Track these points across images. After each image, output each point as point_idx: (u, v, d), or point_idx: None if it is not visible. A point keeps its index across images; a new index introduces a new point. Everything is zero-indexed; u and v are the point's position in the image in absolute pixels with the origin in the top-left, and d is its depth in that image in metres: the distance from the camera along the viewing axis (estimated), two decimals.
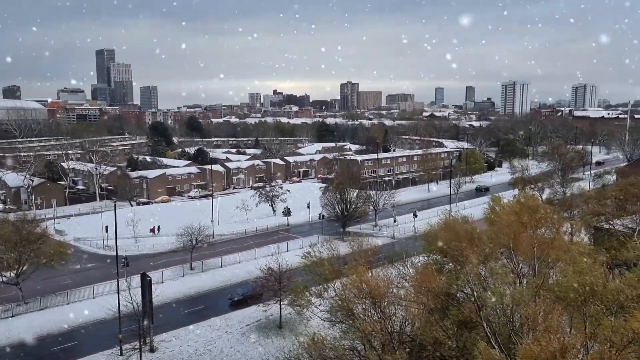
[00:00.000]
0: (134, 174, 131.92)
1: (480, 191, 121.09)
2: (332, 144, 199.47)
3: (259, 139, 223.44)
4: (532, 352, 19.80)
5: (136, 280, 53.60)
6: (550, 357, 19.16)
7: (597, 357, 20.62)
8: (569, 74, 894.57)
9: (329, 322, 35.87)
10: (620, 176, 75.20)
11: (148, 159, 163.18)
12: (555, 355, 19.14)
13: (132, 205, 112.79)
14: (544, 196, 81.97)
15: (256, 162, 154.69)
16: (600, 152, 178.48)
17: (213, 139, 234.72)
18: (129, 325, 43.95)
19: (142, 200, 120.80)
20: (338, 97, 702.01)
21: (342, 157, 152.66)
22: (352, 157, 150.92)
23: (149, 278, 44.36)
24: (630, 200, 53.85)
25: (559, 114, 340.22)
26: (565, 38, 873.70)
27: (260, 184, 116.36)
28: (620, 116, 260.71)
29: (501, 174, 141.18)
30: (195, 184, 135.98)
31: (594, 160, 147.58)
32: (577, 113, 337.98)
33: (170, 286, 59.18)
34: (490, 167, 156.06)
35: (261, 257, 67.61)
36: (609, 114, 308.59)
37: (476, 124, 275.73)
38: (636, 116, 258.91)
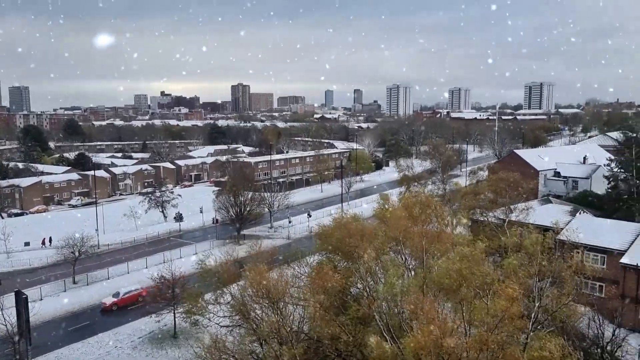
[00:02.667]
0: (4, 183, 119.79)
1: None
2: (225, 147, 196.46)
3: (146, 142, 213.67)
4: (417, 340, 21.18)
5: (10, 299, 48.72)
6: (433, 343, 20.60)
7: (477, 340, 22.59)
8: (446, 78, 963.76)
9: (226, 328, 35.43)
10: (491, 172, 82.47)
11: (20, 165, 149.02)
12: (437, 341, 20.61)
13: (2, 217, 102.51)
14: (427, 192, 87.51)
15: (144, 166, 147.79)
16: (474, 150, 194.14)
17: (96, 143, 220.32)
18: (3, 349, 39.93)
19: (14, 211, 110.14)
20: (229, 99, 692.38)
21: (235, 160, 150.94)
22: (246, 160, 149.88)
23: (24, 296, 40.50)
24: (500, 193, 59.36)
25: (438, 115, 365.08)
26: (441, 46, 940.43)
27: (150, 190, 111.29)
28: (490, 117, 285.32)
29: (388, 173, 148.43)
30: (76, 191, 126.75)
31: (469, 158, 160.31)
32: (453, 114, 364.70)
33: (50, 303, 54.62)
34: (379, 166, 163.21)
35: (152, 266, 64.78)
36: (480, 115, 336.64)
37: (364, 125, 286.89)
38: (503, 117, 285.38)
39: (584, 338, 38.66)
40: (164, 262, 62.84)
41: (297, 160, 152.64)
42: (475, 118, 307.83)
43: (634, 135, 72.10)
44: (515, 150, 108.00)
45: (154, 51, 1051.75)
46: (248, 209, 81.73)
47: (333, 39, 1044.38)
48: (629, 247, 48.03)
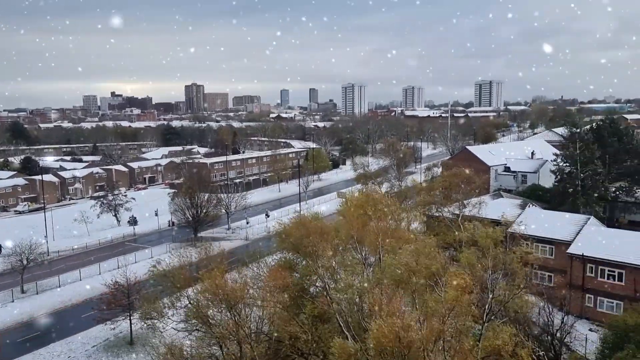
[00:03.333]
0: None
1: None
2: (180, 148, 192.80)
3: (97, 144, 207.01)
4: (380, 334, 21.50)
5: None
6: (395, 336, 20.97)
7: (433, 331, 23.12)
8: (400, 77, 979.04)
9: (184, 332, 34.80)
10: (445, 169, 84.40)
11: None
12: (398, 334, 20.98)
13: None
14: (383, 189, 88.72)
15: (95, 169, 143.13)
16: (428, 147, 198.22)
17: (43, 147, 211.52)
18: None
19: None
20: (183, 99, 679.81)
21: (190, 161, 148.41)
22: (201, 160, 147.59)
23: None
24: (454, 189, 60.84)
25: (393, 113, 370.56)
26: (394, 45, 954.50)
27: (102, 193, 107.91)
28: (442, 115, 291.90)
29: (345, 171, 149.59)
30: (23, 197, 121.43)
31: (423, 155, 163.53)
32: (408, 113, 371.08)
33: None
34: (336, 165, 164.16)
35: (106, 272, 62.88)
36: (433, 113, 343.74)
37: (321, 124, 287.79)
38: (456, 115, 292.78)
39: (535, 326, 40.19)
40: (119, 268, 61.19)
41: (254, 160, 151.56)
42: (429, 116, 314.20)
43: (577, 130, 75.44)
44: (467, 147, 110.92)
45: (103, 51, 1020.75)
46: (205, 210, 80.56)
47: (286, 39, 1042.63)
48: (574, 238, 50.23)
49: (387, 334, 21.12)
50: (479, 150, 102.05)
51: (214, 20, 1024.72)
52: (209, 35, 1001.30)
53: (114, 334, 46.82)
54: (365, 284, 28.92)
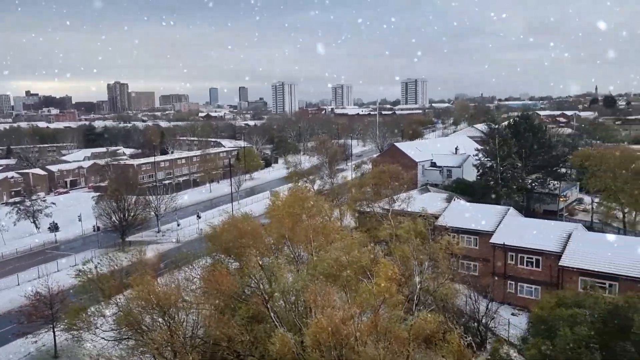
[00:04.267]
0: None
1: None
2: (103, 149, 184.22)
3: (11, 147, 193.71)
4: (317, 329, 21.80)
5: None
6: (335, 328, 21.35)
7: (370, 322, 23.76)
8: (329, 75, 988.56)
9: (114, 341, 33.49)
10: (375, 165, 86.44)
11: None
12: (338, 326, 21.39)
13: None
14: (316, 187, 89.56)
15: (10, 174, 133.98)
16: (358, 144, 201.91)
17: None
18: None
19: None
20: (106, 99, 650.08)
21: (115, 163, 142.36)
22: (127, 162, 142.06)
23: None
24: (384, 185, 62.53)
25: (323, 112, 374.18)
26: (323, 44, 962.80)
27: (18, 199, 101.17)
28: (371, 113, 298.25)
29: (277, 170, 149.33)
30: None
31: (354, 152, 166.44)
32: (337, 111, 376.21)
33: None
34: (268, 163, 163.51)
35: (25, 282, 59.22)
36: (362, 111, 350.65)
37: (251, 123, 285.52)
38: (384, 112, 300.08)
39: (462, 314, 42.22)
40: (39, 277, 57.70)
41: (184, 161, 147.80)
42: (358, 114, 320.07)
43: (496, 126, 79.63)
44: (396, 144, 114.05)
45: (17, 47, 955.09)
46: (132, 213, 77.78)
47: (215, 37, 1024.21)
48: (496, 228, 53.14)
49: (324, 328, 21.46)
50: (407, 147, 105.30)
51: (139, 17, 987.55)
52: (133, 33, 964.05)
53: (37, 348, 44.16)
54: (300, 281, 29.17)
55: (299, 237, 34.98)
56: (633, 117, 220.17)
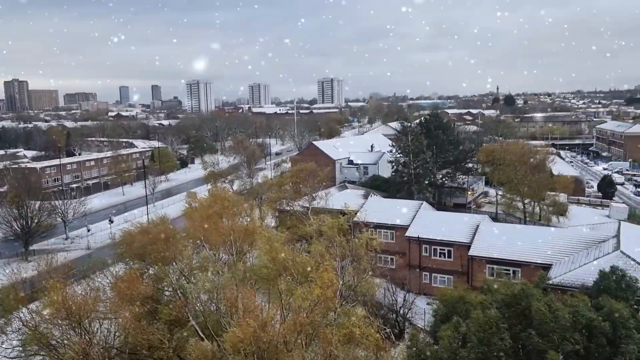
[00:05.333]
0: None
1: None
2: (1, 152, 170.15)
3: None
4: (236, 334, 21.54)
5: None
6: (252, 334, 21.19)
7: (291, 323, 23.87)
8: (245, 74, 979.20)
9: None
10: (294, 164, 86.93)
11: None
12: (256, 331, 21.25)
13: None
14: (235, 187, 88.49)
15: None
16: (277, 143, 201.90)
17: None
18: None
19: None
20: (3, 97, 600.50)
21: (15, 166, 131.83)
22: (29, 165, 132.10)
23: None
24: (303, 183, 63.07)
25: (240, 110, 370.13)
26: (241, 43, 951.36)
27: None
28: (289, 112, 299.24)
29: (194, 170, 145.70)
30: None
31: (273, 151, 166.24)
32: (255, 109, 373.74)
33: None
34: (184, 164, 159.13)
35: None
36: (280, 110, 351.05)
37: (165, 122, 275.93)
38: (301, 111, 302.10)
39: (381, 306, 43.65)
40: None
41: (93, 163, 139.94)
42: (276, 112, 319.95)
43: (409, 124, 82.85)
44: (314, 142, 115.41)
45: None
46: (36, 220, 72.63)
47: (127, 33, 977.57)
48: (411, 222, 55.41)
49: (243, 334, 21.25)
50: (325, 145, 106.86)
51: (41, 10, 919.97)
52: (35, 26, 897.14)
53: None
54: (220, 284, 28.76)
55: (219, 238, 34.40)
56: (530, 115, 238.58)
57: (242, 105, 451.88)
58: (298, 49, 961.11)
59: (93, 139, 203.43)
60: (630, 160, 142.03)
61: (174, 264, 31.44)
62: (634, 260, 36.21)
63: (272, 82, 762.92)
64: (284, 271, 27.58)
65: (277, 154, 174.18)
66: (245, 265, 33.47)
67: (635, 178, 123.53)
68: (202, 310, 28.91)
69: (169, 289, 32.46)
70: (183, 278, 31.60)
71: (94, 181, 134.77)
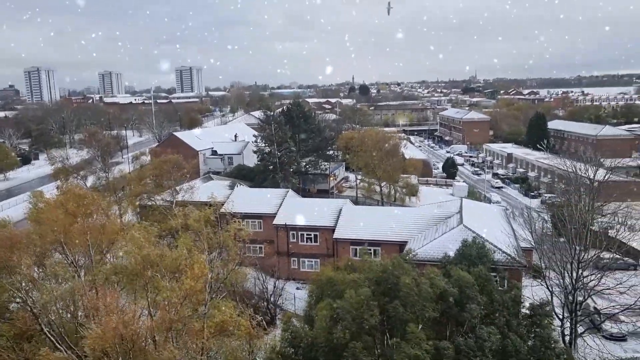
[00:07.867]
0: None
1: None
2: None
3: None
4: (96, 338, 20.28)
5: None
6: (114, 334, 20.12)
7: (160, 319, 23.05)
8: (95, 62, 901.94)
9: None
10: (154, 156, 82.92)
11: None
12: (117, 330, 20.20)
13: None
14: (89, 183, 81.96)
15: None
16: (134, 135, 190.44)
17: None
18: None
19: None
20: None
21: None
22: None
23: None
24: (165, 176, 60.57)
25: (90, 100, 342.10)
26: (87, 28, 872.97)
27: None
28: (145, 101, 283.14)
29: (40, 167, 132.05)
30: None
31: (130, 143, 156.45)
32: (107, 99, 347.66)
33: None
34: (26, 160, 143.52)
35: None
36: (136, 99, 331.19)
37: (1, 114, 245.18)
38: (159, 101, 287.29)
39: (252, 295, 43.93)
40: None
41: None
42: (131, 102, 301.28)
43: (272, 113, 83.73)
44: (175, 133, 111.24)
45: None
46: None
47: None
48: (277, 210, 56.28)
49: (103, 332, 20.19)
50: (186, 136, 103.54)
51: None
52: None
53: None
54: (77, 288, 26.78)
55: (75, 240, 31.70)
56: (383, 103, 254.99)
57: (92, 95, 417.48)
58: (153, 36, 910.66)
59: None
60: (468, 143, 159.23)
61: (20, 272, 28.33)
62: (474, 232, 40.81)
63: (126, 70, 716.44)
64: (150, 267, 26.39)
65: (135, 145, 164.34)
66: (105, 266, 31.37)
67: (472, 159, 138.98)
68: (56, 319, 26.68)
69: (17, 301, 29.40)
70: (33, 286, 28.70)
71: None
